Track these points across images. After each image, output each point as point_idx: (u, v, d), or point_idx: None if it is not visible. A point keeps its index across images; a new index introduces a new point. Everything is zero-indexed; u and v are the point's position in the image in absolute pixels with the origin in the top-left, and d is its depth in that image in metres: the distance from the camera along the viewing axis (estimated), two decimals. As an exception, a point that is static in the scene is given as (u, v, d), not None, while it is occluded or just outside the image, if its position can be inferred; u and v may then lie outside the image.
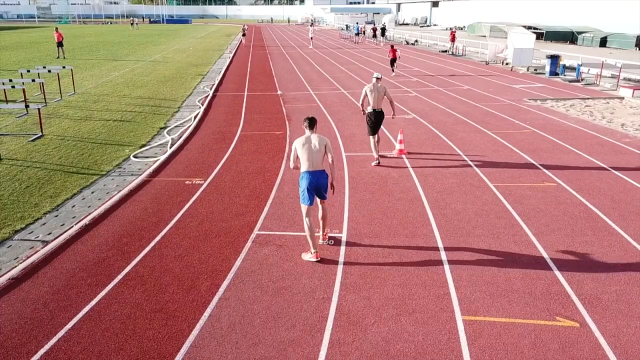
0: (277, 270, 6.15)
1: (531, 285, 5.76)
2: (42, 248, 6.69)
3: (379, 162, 10.27)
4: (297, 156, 6.41)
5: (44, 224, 7.51)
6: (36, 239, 7.02)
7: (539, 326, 5.01)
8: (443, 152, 11.23)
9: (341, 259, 6.40)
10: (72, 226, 7.38)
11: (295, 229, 7.27)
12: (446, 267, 6.20)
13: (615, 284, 5.78)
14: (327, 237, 6.93)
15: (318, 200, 6.61)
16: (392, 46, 24.86)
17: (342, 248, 6.70)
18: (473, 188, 8.95)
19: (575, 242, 6.87)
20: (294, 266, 6.23)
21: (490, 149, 11.46)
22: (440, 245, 6.78)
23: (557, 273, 6.04)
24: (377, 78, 10.14)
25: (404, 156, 10.85)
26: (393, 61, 24.13)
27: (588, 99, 17.99)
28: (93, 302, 5.46)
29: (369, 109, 10.14)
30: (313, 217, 6.56)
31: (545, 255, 6.50)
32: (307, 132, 6.50)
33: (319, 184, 6.33)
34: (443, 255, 6.48)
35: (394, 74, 24.14)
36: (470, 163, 10.38)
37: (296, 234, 7.11)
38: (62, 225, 7.45)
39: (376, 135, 10.30)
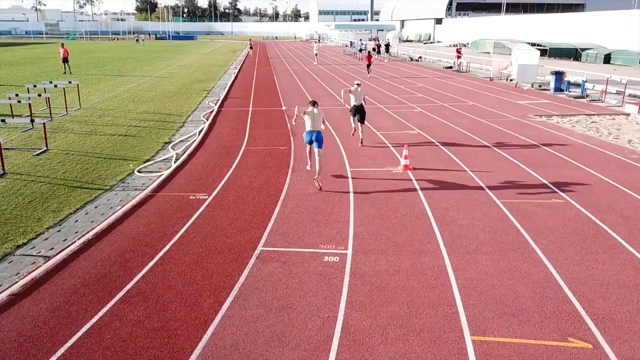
0: (282, 287, 6.04)
1: (541, 305, 5.63)
2: (44, 263, 6.61)
3: (354, 131, 13.67)
4: (302, 117, 9.95)
5: (47, 239, 7.44)
6: (38, 254, 6.94)
7: (551, 347, 4.87)
8: (448, 167, 11.14)
9: (347, 276, 6.28)
10: (75, 241, 7.31)
11: (300, 245, 7.17)
12: (454, 285, 6.08)
13: (627, 304, 5.64)
14: (319, 182, 9.69)
15: (316, 152, 9.75)
16: (369, 53, 33.35)
17: (348, 265, 6.58)
18: (480, 204, 8.84)
19: (585, 259, 6.73)
20: (299, 283, 6.12)
21: (496, 164, 11.37)
22: (447, 262, 6.66)
23: (568, 292, 5.90)
24: (358, 84, 13.28)
25: (409, 172, 10.77)
26: (368, 66, 30.92)
27: (594, 115, 17.92)
28: (94, 320, 5.35)
29: (352, 103, 13.19)
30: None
31: (555, 273, 6.37)
32: (311, 107, 9.95)
33: (316, 138, 9.81)
34: (450, 273, 6.36)
35: (369, 75, 30.45)
36: (476, 179, 10.28)
37: (301, 250, 7.01)
38: (64, 240, 7.38)
39: (357, 116, 13.24)
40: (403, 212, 8.49)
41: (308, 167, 10.78)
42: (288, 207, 8.73)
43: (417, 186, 9.83)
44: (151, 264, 6.66)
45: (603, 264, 6.60)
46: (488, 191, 9.53)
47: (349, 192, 9.49)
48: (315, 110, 9.93)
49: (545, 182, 10.11)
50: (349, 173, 10.74)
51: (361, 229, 7.75)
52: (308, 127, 9.91)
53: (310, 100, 10.39)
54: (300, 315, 5.45)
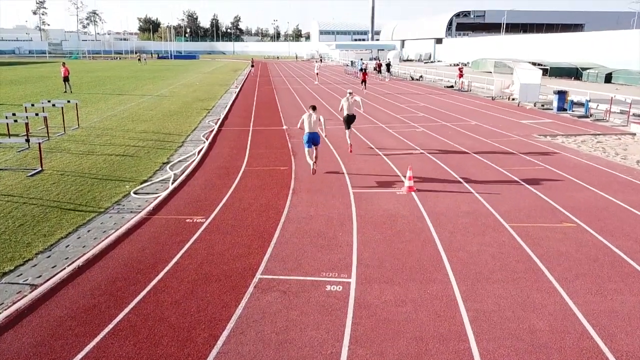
0: (281, 320, 5.67)
1: (559, 340, 5.24)
2: (30, 293, 6.25)
3: (351, 147, 14.47)
4: (303, 123, 11.55)
5: (35, 265, 7.09)
6: (25, 282, 6.58)
7: (573, 389, 4.48)
8: (454, 189, 10.82)
9: (350, 308, 5.91)
10: (64, 268, 6.95)
11: (301, 273, 6.81)
12: (465, 317, 5.70)
13: (652, 339, 5.25)
14: (316, 169, 11.62)
15: (313, 149, 11.58)
16: (364, 70, 36.14)
17: (352, 295, 6.21)
18: (488, 228, 8.49)
19: (603, 289, 6.36)
20: (300, 316, 5.74)
21: (502, 186, 11.05)
22: (457, 292, 6.29)
23: (587, 325, 5.52)
24: (350, 93, 14.52)
25: (413, 193, 10.44)
26: (363, 82, 33.75)
27: (599, 134, 17.66)
28: (79, 356, 4.97)
29: (345, 113, 14.31)
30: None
31: (571, 303, 6.00)
32: (311, 111, 11.51)
33: (314, 139, 11.45)
34: (461, 304, 5.99)
35: (365, 91, 32.50)
36: (483, 201, 9.95)
37: (302, 279, 6.65)
38: (53, 267, 7.02)
39: (349, 130, 14.55)
40: (408, 236, 8.14)
41: (311, 167, 11.63)
42: (288, 231, 8.39)
43: (422, 209, 9.49)
44: (144, 293, 6.30)
45: (622, 294, 6.23)
46: (496, 214, 9.19)
47: (351, 215, 9.16)
48: (314, 115, 11.45)
49: (554, 204, 9.77)
50: (351, 195, 10.41)
51: (365, 255, 7.40)
52: (307, 130, 11.41)
53: (310, 105, 11.90)
54: (301, 351, 5.07)
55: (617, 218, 9.02)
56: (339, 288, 6.39)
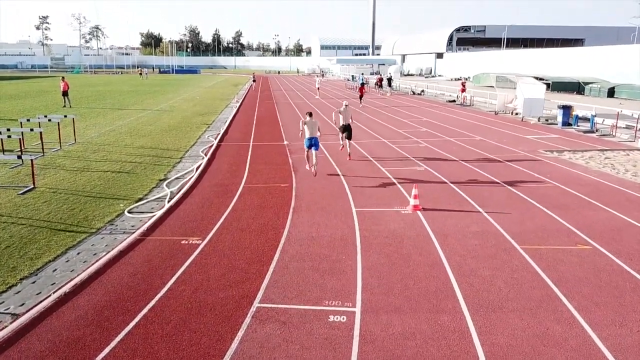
0: (280, 355, 5.21)
1: (586, 379, 4.78)
2: (10, 323, 5.80)
3: (342, 147, 15.85)
4: (303, 128, 12.66)
5: (18, 292, 6.65)
6: (6, 311, 6.15)
7: None
8: (461, 208, 10.39)
9: (355, 341, 5.45)
10: (50, 295, 6.52)
11: (302, 301, 6.36)
12: (480, 352, 5.24)
13: (687, 379, 4.79)
14: (316, 172, 12.74)
15: (313, 154, 12.70)
16: (362, 85, 36.39)
17: (357, 326, 5.76)
18: (499, 251, 8.05)
19: (627, 320, 5.91)
20: (301, 350, 5.28)
21: (511, 204, 10.62)
22: (470, 323, 5.83)
23: (614, 362, 5.06)
24: (346, 105, 15.78)
25: (419, 212, 10.02)
26: (361, 96, 34.22)
27: (606, 150, 17.26)
28: (58, 399, 4.52)
29: (341, 123, 15.32)
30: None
31: (594, 337, 5.54)
32: (309, 118, 12.76)
33: (314, 143, 12.55)
34: (475, 337, 5.53)
35: (361, 105, 33.21)
36: (492, 221, 9.52)
37: (303, 308, 6.20)
38: (38, 294, 6.58)
39: (345, 134, 15.29)
40: (415, 260, 7.69)
41: (307, 167, 13.20)
42: (288, 254, 7.95)
43: (429, 229, 9.06)
44: (133, 323, 5.85)
45: (649, 325, 5.78)
46: (506, 235, 8.75)
47: (355, 236, 8.72)
48: (313, 120, 12.71)
49: (567, 224, 9.33)
50: (354, 213, 9.99)
51: (370, 281, 6.95)
52: (307, 135, 12.59)
53: (307, 111, 13.23)
54: (301, 393, 4.61)
55: (634, 239, 8.58)
56: (343, 318, 5.94)
